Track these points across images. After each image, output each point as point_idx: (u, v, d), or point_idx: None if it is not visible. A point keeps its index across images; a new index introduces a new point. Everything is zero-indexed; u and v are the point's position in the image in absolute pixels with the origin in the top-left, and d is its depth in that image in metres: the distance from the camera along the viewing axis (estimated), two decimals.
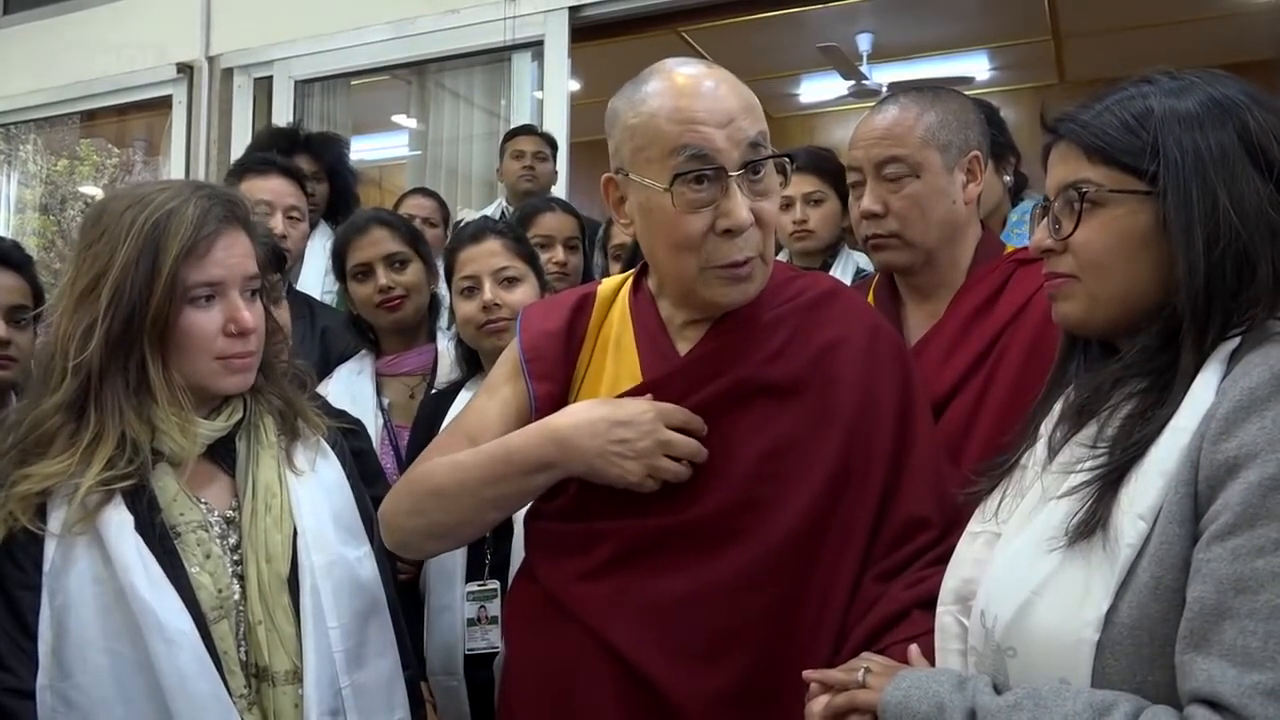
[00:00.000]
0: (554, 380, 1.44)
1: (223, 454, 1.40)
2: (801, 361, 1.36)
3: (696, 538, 1.32)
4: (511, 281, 2.10)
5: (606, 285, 1.52)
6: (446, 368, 2.33)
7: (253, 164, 2.88)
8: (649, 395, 1.36)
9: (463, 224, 2.77)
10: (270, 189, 2.64)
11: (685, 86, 1.31)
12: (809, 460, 1.32)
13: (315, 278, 3.24)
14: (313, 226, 3.50)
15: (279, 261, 2.05)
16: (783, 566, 1.29)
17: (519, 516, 1.84)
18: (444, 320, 2.49)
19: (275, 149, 3.49)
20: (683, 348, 1.41)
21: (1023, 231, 3.05)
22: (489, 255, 2.10)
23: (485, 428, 1.45)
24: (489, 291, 2.06)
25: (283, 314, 1.87)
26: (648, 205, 1.33)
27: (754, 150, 1.30)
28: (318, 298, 3.25)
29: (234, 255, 1.36)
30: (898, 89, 1.75)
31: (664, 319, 1.43)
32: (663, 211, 1.31)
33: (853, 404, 1.35)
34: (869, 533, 1.32)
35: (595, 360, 1.46)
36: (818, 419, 1.34)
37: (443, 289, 2.37)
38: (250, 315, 1.37)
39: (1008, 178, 2.86)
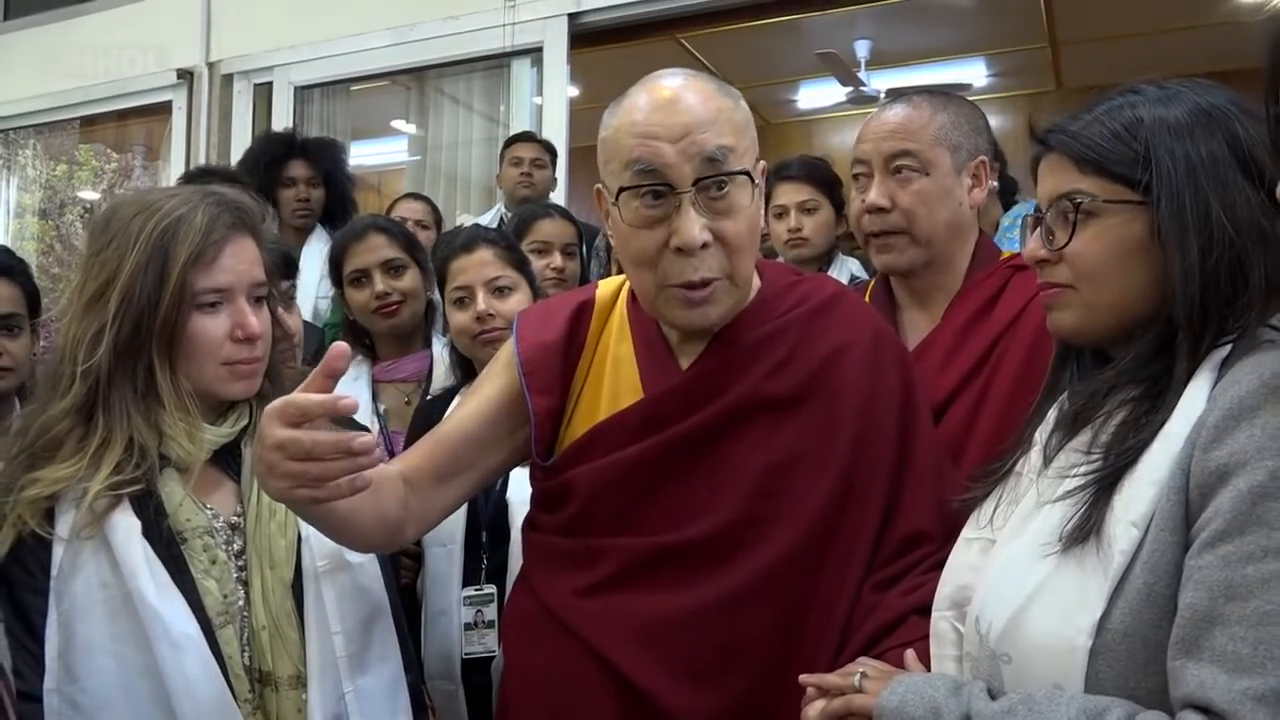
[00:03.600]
0: (552, 393, 1.42)
1: (229, 460, 1.41)
2: (804, 373, 1.34)
3: (698, 555, 1.30)
4: (504, 291, 2.09)
5: (605, 290, 1.50)
6: (441, 374, 2.33)
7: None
8: (649, 411, 1.35)
9: (455, 232, 2.77)
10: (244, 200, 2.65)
11: (649, 100, 1.29)
12: (814, 474, 1.31)
13: (312, 282, 3.26)
14: (309, 232, 3.54)
15: (288, 266, 2.06)
16: (786, 581, 1.28)
17: (517, 523, 1.86)
18: (439, 326, 2.51)
19: (272, 154, 3.52)
20: (684, 362, 1.39)
21: (1014, 236, 3.07)
22: (481, 265, 2.10)
23: (450, 424, 1.43)
24: (482, 302, 2.06)
25: (294, 319, 1.88)
26: (614, 219, 1.32)
27: (710, 166, 1.25)
28: (315, 303, 3.28)
29: (242, 262, 1.38)
30: (898, 94, 1.76)
31: (664, 331, 1.41)
32: (619, 226, 1.31)
33: (857, 413, 1.33)
34: (872, 544, 1.31)
35: (594, 371, 1.44)
36: (822, 431, 1.32)
37: (437, 295, 2.37)
38: (257, 321, 1.38)
39: (993, 182, 2.91)
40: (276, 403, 1.08)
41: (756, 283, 1.41)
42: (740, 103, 1.33)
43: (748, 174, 1.28)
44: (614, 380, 1.41)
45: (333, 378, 1.09)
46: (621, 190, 1.28)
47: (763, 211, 1.36)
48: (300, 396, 1.07)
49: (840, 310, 1.41)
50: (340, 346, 1.09)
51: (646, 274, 1.31)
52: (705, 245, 1.26)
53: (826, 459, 1.31)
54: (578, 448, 1.39)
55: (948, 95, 1.74)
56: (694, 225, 1.25)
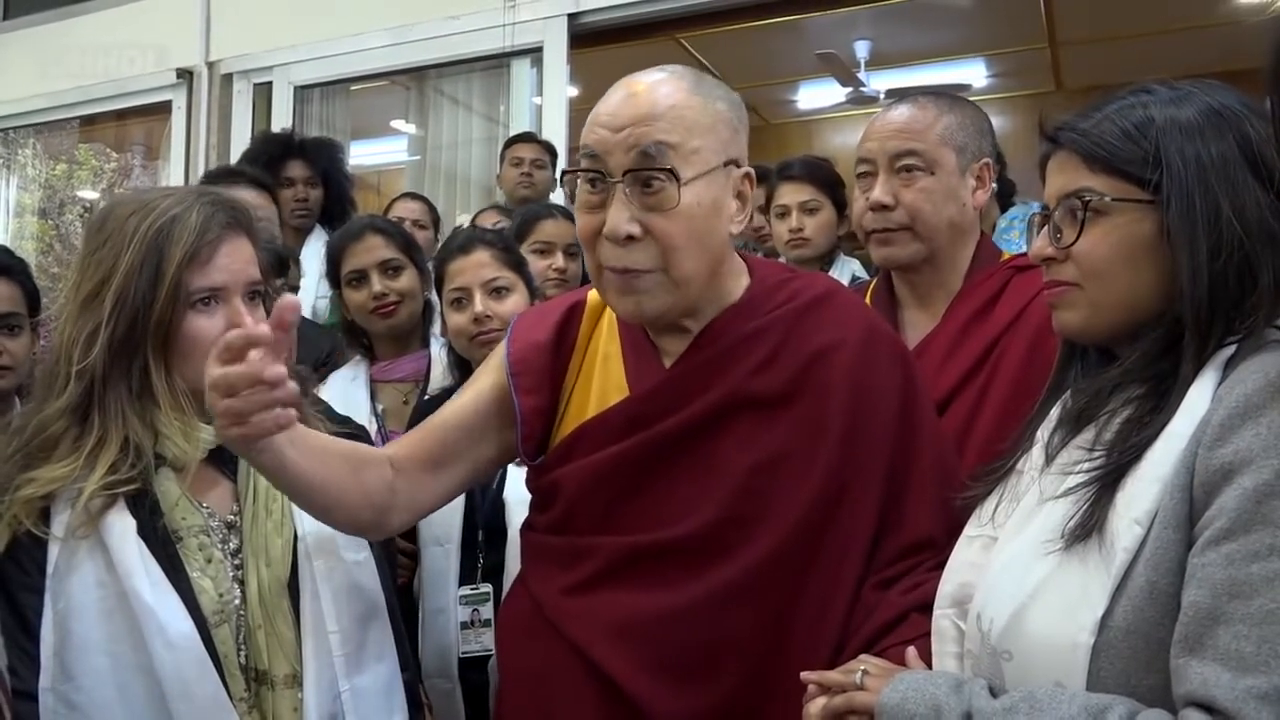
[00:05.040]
0: (540, 393, 1.41)
1: (225, 459, 1.41)
2: (791, 371, 1.33)
3: (681, 554, 1.29)
4: (501, 292, 2.09)
5: (597, 292, 1.48)
6: (439, 374, 2.33)
7: (221, 175, 2.88)
8: (632, 410, 1.35)
9: (453, 233, 2.77)
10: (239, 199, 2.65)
11: (618, 92, 1.31)
12: (800, 474, 1.29)
13: (311, 282, 3.26)
14: (308, 232, 3.53)
15: (284, 266, 2.06)
16: (772, 582, 1.27)
17: (514, 522, 1.86)
18: (437, 326, 2.50)
19: (270, 154, 3.51)
20: (668, 360, 1.38)
21: (1010, 238, 3.07)
22: (478, 266, 2.10)
23: (443, 413, 1.44)
24: (479, 303, 2.06)
25: None
26: None
27: (642, 159, 1.25)
28: (314, 302, 3.27)
29: (237, 261, 1.37)
30: (898, 94, 1.76)
31: (649, 329, 1.40)
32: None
33: (847, 412, 1.31)
34: (867, 544, 1.30)
35: (584, 371, 1.43)
36: (810, 431, 1.31)
37: (435, 295, 2.37)
38: (252, 320, 1.37)
39: (992, 184, 2.92)
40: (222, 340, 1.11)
41: (745, 280, 1.40)
42: (717, 104, 1.31)
43: (673, 173, 1.25)
44: (602, 379, 1.41)
45: (282, 328, 1.11)
46: (566, 173, 1.30)
47: (730, 212, 1.33)
48: (229, 334, 1.10)
49: (831, 308, 1.39)
50: (290, 298, 1.13)
51: (590, 256, 1.33)
52: (633, 237, 1.26)
53: (814, 458, 1.30)
54: (565, 446, 1.39)
55: (953, 97, 1.75)
56: (618, 215, 1.26)
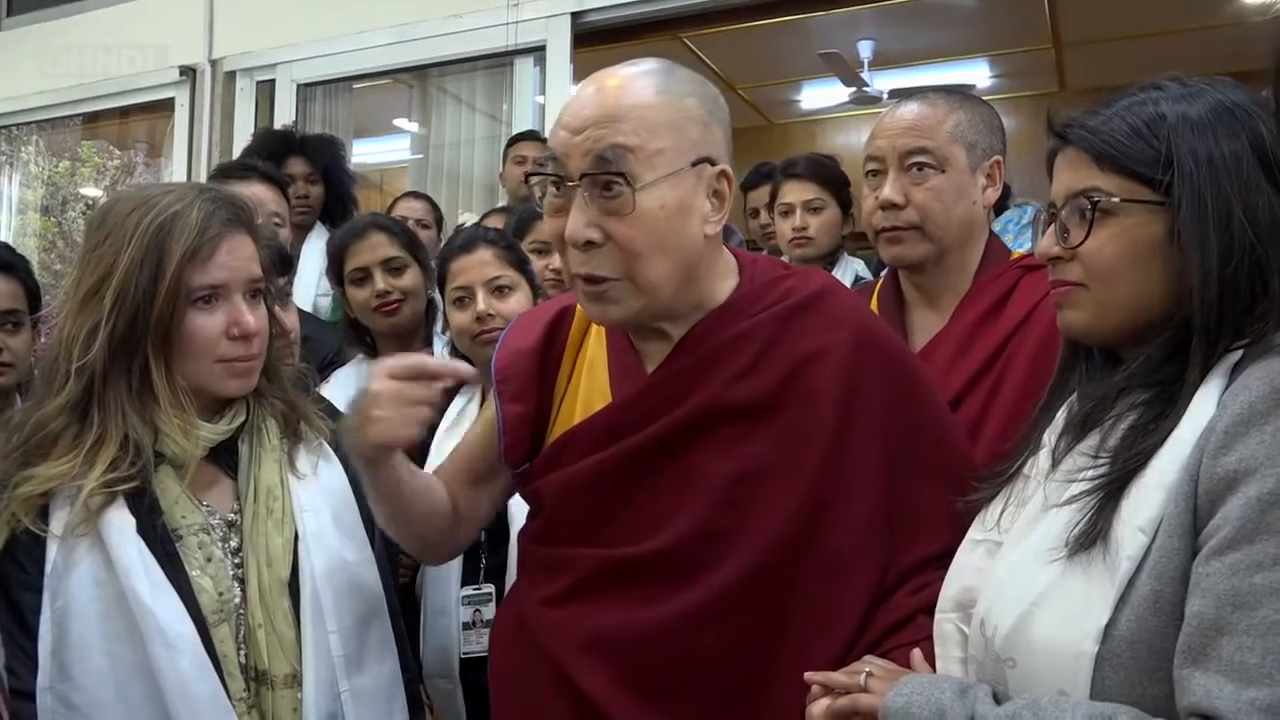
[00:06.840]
0: (525, 400, 1.38)
1: (225, 457, 1.40)
2: (774, 378, 1.27)
3: (660, 568, 1.25)
4: (504, 290, 2.09)
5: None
6: None
7: (233, 169, 2.88)
8: (613, 419, 1.32)
9: (455, 232, 2.77)
10: (251, 195, 2.64)
11: (581, 88, 1.27)
12: (783, 486, 1.24)
13: (312, 280, 3.25)
14: (309, 229, 3.52)
15: (285, 264, 2.06)
16: (753, 598, 1.22)
17: (516, 521, 1.85)
18: (440, 325, 2.50)
19: (271, 151, 3.50)
20: (650, 366, 1.34)
21: (1004, 240, 3.06)
22: (480, 265, 2.10)
23: (470, 432, 1.47)
24: (482, 302, 2.06)
25: (290, 317, 1.88)
26: None
27: (598, 163, 1.20)
28: (314, 300, 3.26)
29: (238, 258, 1.37)
30: (902, 95, 1.75)
31: (631, 335, 1.36)
32: None
33: (836, 421, 1.25)
34: (874, 560, 1.25)
35: (575, 377, 1.40)
36: (794, 441, 1.25)
37: (438, 294, 2.37)
38: (253, 318, 1.37)
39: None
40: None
41: (733, 281, 1.35)
42: (686, 100, 1.25)
43: (625, 177, 1.20)
44: (589, 385, 1.38)
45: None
46: (529, 174, 1.30)
47: (704, 213, 1.27)
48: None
49: (823, 308, 1.32)
50: (466, 368, 1.34)
51: (563, 261, 1.29)
52: (592, 243, 1.22)
53: (798, 469, 1.24)
54: (550, 454, 1.36)
55: (963, 94, 1.73)
56: (578, 220, 1.22)
